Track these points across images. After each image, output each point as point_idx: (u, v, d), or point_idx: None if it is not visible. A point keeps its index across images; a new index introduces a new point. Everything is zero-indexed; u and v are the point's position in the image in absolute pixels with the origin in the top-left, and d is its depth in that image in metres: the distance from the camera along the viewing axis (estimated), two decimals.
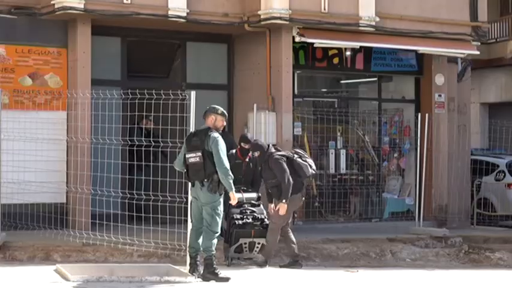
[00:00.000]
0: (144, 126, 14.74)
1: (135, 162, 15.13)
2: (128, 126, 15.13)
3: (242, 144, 14.85)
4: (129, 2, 17.29)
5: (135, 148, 14.85)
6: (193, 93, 13.34)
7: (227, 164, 12.31)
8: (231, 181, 12.35)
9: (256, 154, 14.30)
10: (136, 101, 14.60)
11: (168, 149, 14.49)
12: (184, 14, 17.87)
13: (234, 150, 14.73)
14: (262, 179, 14.63)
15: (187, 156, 12.46)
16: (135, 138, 14.22)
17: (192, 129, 13.14)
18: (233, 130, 18.66)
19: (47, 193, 16.85)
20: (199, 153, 12.29)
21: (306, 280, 12.64)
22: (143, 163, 15.53)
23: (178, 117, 14.69)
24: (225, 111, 12.93)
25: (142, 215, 14.41)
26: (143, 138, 14.58)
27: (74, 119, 17.13)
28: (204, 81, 19.77)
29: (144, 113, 15.41)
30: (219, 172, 12.24)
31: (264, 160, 14.14)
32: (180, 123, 15.14)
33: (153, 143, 14.09)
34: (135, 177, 14.69)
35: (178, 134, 14.57)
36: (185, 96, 13.59)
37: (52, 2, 16.97)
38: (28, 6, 17.32)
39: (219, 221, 12.52)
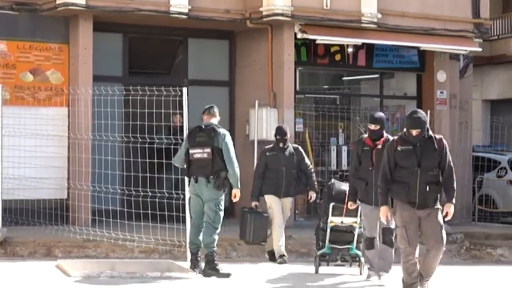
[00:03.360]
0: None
1: (139, 160, 15.03)
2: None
3: (368, 125, 11.76)
4: None
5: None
6: (185, 90, 13.41)
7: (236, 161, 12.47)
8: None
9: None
10: (138, 98, 14.59)
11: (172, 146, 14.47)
12: (186, 11, 17.93)
13: (364, 136, 12.00)
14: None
15: (191, 152, 12.36)
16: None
17: (186, 125, 13.19)
18: (234, 126, 18.65)
19: (48, 189, 16.93)
20: (208, 150, 12.22)
21: (307, 274, 12.59)
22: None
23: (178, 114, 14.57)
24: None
25: (141, 211, 14.30)
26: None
27: (75, 115, 17.22)
28: (205, 77, 19.84)
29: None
30: (231, 168, 12.22)
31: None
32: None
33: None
34: (140, 174, 14.59)
35: (179, 131, 14.51)
36: (178, 92, 13.54)
37: None
38: (29, 3, 17.34)
39: (222, 217, 12.48)
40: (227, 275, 12.24)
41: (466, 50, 20.82)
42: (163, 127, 14.34)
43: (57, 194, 17.10)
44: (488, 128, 28.99)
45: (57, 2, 16.95)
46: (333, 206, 12.06)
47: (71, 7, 16.91)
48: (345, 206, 11.76)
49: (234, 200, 12.79)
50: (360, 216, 11.89)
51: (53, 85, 17.70)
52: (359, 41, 19.41)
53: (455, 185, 9.70)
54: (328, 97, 21.46)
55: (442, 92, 20.82)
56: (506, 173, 21.42)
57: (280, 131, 14.12)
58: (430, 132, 9.72)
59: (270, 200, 13.99)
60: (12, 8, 17.17)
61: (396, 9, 19.39)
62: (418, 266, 9.82)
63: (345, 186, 12.04)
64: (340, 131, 20.68)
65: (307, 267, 12.85)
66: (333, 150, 20.44)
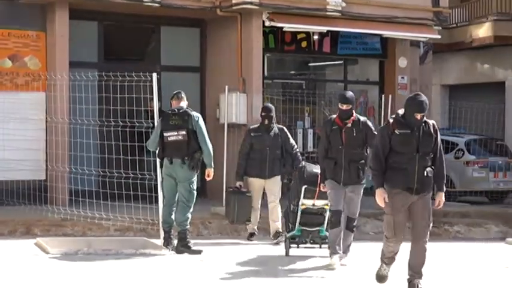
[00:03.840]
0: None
1: (113, 142, 15.08)
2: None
3: (339, 105, 11.23)
4: None
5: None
6: (154, 76, 13.36)
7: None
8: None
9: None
10: (111, 83, 14.66)
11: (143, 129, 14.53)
12: None
13: (333, 116, 11.44)
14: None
15: (166, 135, 12.44)
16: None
17: (156, 110, 13.22)
18: (205, 111, 18.72)
19: (27, 171, 16.85)
20: (183, 132, 12.35)
21: (277, 257, 12.50)
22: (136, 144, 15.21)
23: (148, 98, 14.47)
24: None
25: (116, 191, 14.32)
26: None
27: (52, 100, 17.13)
28: (177, 63, 19.85)
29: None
30: (206, 149, 12.40)
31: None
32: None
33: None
34: (114, 156, 14.64)
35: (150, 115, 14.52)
36: (148, 78, 13.55)
37: None
38: None
39: (195, 196, 12.62)
40: (199, 252, 12.39)
41: (426, 38, 21.01)
42: (142, 111, 14.24)
43: (36, 176, 17.02)
44: (447, 112, 29.24)
45: None
46: (305, 189, 11.58)
47: None
48: (318, 189, 11.36)
49: (208, 179, 12.96)
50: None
51: (31, 71, 17.60)
52: (324, 29, 19.45)
53: (445, 173, 9.23)
54: (295, 82, 21.51)
55: (403, 78, 20.94)
56: (463, 154, 21.59)
57: (265, 108, 13.78)
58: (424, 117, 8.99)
59: (251, 184, 13.79)
60: None
61: None
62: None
63: (316, 169, 11.48)
64: (306, 114, 20.69)
65: (277, 249, 12.66)
66: (299, 133, 20.42)
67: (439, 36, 21.50)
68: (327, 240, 11.61)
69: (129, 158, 14.35)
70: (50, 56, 17.69)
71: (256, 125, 13.94)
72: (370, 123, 11.16)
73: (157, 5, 17.90)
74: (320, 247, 11.86)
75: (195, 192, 12.62)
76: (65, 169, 16.27)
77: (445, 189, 9.25)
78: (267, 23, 18.60)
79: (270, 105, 13.92)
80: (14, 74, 17.56)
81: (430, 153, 8.93)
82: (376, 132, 10.63)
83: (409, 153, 8.80)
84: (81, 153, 15.80)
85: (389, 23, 20.04)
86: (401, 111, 8.99)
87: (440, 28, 21.76)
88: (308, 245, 11.96)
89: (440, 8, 21.39)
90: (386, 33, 20.20)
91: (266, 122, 13.47)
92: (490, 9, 28.79)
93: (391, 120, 9.02)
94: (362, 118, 11.01)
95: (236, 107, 18.48)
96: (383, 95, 19.82)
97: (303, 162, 12.31)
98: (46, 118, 17.33)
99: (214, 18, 19.18)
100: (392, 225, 8.99)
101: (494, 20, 28.45)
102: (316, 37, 20.03)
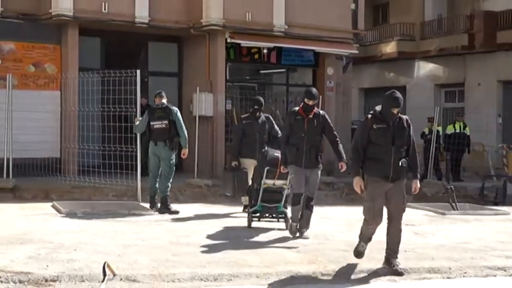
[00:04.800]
0: (141, 102, 14.03)
1: (112, 123, 14.91)
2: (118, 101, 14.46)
3: (306, 100, 10.05)
4: (106, 11, 17.23)
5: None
6: (138, 72, 13.36)
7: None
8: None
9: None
10: (111, 79, 14.57)
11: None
12: (147, 21, 17.88)
13: (296, 108, 10.38)
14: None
15: (152, 123, 12.44)
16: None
17: (139, 104, 13.25)
18: (182, 106, 18.63)
19: (46, 150, 16.82)
20: (166, 122, 12.36)
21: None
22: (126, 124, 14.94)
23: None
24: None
25: (112, 162, 14.18)
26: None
27: (66, 95, 17.13)
28: (161, 70, 19.78)
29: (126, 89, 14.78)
30: (182, 134, 12.42)
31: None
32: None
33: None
34: (112, 134, 14.52)
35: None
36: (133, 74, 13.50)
37: (50, 11, 16.86)
38: (31, 13, 17.13)
39: (174, 170, 12.60)
40: (176, 212, 12.42)
41: (347, 52, 21.07)
42: (138, 105, 13.85)
43: (53, 154, 16.93)
44: (362, 108, 29.55)
45: (52, 14, 16.79)
46: (267, 170, 10.45)
47: (62, 17, 16.82)
48: (278, 170, 10.30)
49: (184, 157, 13.02)
50: (289, 179, 10.34)
51: (49, 74, 17.57)
52: (271, 45, 19.53)
53: (418, 162, 8.25)
54: (249, 85, 21.42)
55: (330, 82, 21.04)
56: None
57: (257, 101, 12.50)
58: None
59: (244, 163, 12.36)
60: (19, 17, 16.97)
61: (298, 22, 19.38)
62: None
63: (277, 153, 10.41)
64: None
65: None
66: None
67: (357, 52, 21.62)
68: (283, 215, 10.78)
69: (123, 135, 14.17)
70: (64, 63, 17.58)
71: (246, 114, 12.91)
72: (327, 117, 10.16)
73: (145, 25, 17.92)
74: (278, 221, 10.88)
75: (173, 167, 12.64)
76: (75, 146, 16.26)
77: (419, 176, 8.23)
78: (229, 40, 18.60)
79: (260, 98, 12.68)
80: (36, 76, 17.52)
81: (404, 145, 7.93)
82: (331, 124, 10.05)
83: (386, 145, 7.85)
84: (87, 133, 15.78)
85: (320, 41, 20.08)
86: (378, 108, 8.04)
87: (358, 45, 22.00)
88: (267, 219, 10.92)
89: (358, 30, 21.58)
90: (318, 49, 20.25)
91: (257, 112, 12.35)
92: (395, 32, 29.13)
93: (369, 116, 8.03)
94: (321, 112, 10.07)
95: (205, 103, 18.48)
96: None
97: (266, 147, 11.18)
98: (60, 110, 17.29)
99: (189, 36, 19.11)
100: (372, 209, 7.97)
101: (397, 40, 28.81)
102: (265, 51, 19.96)
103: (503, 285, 6.25)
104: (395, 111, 7.85)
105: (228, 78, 19.56)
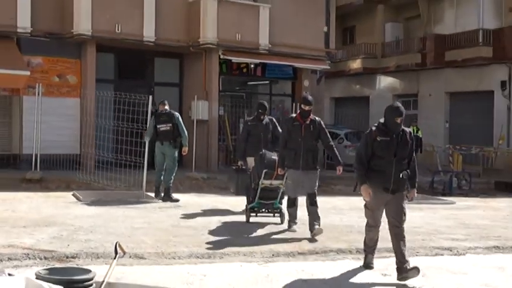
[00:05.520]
0: (158, 110, 13.44)
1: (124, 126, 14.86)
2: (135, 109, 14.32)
3: (302, 106, 9.17)
4: (119, 31, 17.18)
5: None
6: (150, 97, 13.34)
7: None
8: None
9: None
10: (122, 98, 14.48)
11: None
12: (153, 40, 17.86)
13: (293, 115, 9.79)
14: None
15: (158, 126, 12.45)
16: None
17: (150, 112, 13.10)
18: (182, 111, 18.59)
19: (68, 147, 16.82)
20: (170, 125, 12.40)
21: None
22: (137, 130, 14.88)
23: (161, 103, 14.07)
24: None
25: (123, 162, 14.20)
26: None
27: (84, 104, 17.01)
28: (165, 81, 19.70)
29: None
30: (183, 135, 12.44)
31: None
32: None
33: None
34: (124, 138, 14.45)
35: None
36: (146, 97, 13.45)
37: (72, 31, 16.83)
38: (56, 33, 17.06)
39: (176, 165, 12.61)
40: (177, 200, 12.40)
41: (320, 68, 21.15)
42: (150, 112, 13.53)
43: (73, 151, 16.91)
44: (333, 114, 29.58)
45: (74, 33, 16.78)
46: (265, 172, 9.64)
47: (82, 36, 16.78)
48: (275, 172, 9.46)
49: (184, 154, 13.04)
50: (285, 179, 9.42)
51: (71, 84, 17.50)
52: (257, 61, 19.51)
53: (417, 173, 7.06)
54: (239, 94, 21.45)
55: (306, 93, 20.67)
56: (343, 141, 21.83)
57: (262, 106, 11.43)
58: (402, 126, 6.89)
59: (250, 161, 11.20)
60: (46, 36, 16.92)
61: (280, 42, 19.44)
62: (379, 235, 7.31)
63: (274, 156, 9.62)
64: (246, 114, 20.66)
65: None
66: (241, 126, 20.31)
67: (328, 67, 21.66)
68: (278, 210, 10.01)
69: (134, 139, 14.11)
70: (83, 75, 17.51)
71: (251, 117, 11.79)
72: (323, 123, 9.24)
73: (152, 43, 17.89)
74: (273, 215, 10.05)
75: (176, 163, 12.64)
76: (92, 152, 16.15)
77: (416, 185, 7.10)
78: (222, 57, 18.61)
79: (265, 103, 11.69)
80: (60, 86, 17.45)
81: (405, 158, 6.86)
82: (326, 130, 9.24)
83: (388, 157, 6.76)
84: (102, 134, 15.56)
85: (298, 58, 20.11)
86: (382, 120, 6.90)
87: (330, 62, 22.05)
88: (264, 213, 10.06)
89: (330, 49, 21.70)
90: (296, 64, 20.24)
91: (261, 115, 11.30)
92: (360, 51, 29.19)
93: (373, 128, 6.90)
94: (317, 118, 9.18)
95: (201, 109, 18.52)
96: (293, 103, 19.96)
97: (264, 150, 10.15)
98: (80, 116, 17.22)
99: (188, 53, 19.09)
100: (372, 216, 7.07)
101: (362, 58, 28.88)
102: (252, 66, 19.99)
103: (449, 262, 6.30)
104: (398, 120, 6.77)
105: (220, 88, 19.58)
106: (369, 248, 7.27)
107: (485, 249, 8.69)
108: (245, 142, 11.29)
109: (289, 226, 9.37)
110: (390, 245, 8.24)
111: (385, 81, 29.04)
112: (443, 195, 17.00)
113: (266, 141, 11.24)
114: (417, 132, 20.79)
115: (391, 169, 6.73)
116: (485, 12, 24.60)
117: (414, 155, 7.00)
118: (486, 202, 13.66)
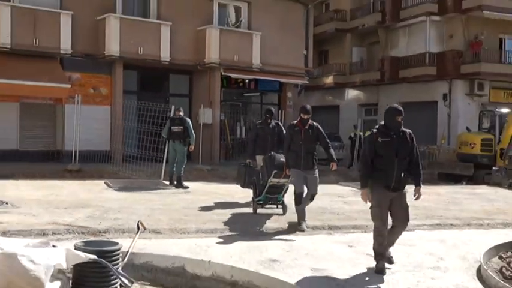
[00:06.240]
0: (174, 115, 13.06)
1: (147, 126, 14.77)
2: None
3: (302, 115, 8.34)
4: (141, 53, 17.18)
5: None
6: (173, 107, 13.20)
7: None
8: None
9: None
10: (144, 106, 14.42)
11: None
12: (168, 60, 17.87)
13: (294, 122, 8.63)
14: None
15: (172, 128, 12.41)
16: (168, 122, 12.71)
17: (171, 115, 13.03)
18: (192, 117, 18.53)
19: (100, 144, 16.70)
20: (182, 127, 12.34)
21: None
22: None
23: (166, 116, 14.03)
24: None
25: (145, 153, 14.14)
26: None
27: (114, 110, 17.02)
28: (178, 93, 19.60)
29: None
30: (191, 135, 12.36)
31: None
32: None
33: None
34: (145, 137, 14.34)
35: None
36: (167, 106, 13.44)
37: (103, 52, 16.81)
38: (91, 54, 17.03)
39: (186, 159, 12.52)
40: (187, 187, 12.30)
41: (301, 82, 21.23)
42: (170, 116, 13.15)
43: (105, 147, 16.82)
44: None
45: (105, 54, 16.78)
46: (275, 172, 8.80)
47: (112, 57, 16.78)
48: (284, 172, 8.61)
49: (191, 150, 12.94)
50: (291, 177, 8.53)
51: (103, 95, 17.47)
52: (251, 77, 19.56)
53: (421, 172, 6.03)
54: (237, 103, 21.50)
55: (290, 102, 21.12)
56: None
57: (269, 111, 10.43)
58: (402, 127, 5.94)
59: (258, 160, 10.18)
60: (83, 56, 16.90)
61: (269, 62, 19.47)
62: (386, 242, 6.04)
63: (283, 158, 8.68)
64: (242, 120, 20.74)
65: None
66: (239, 129, 20.39)
67: (307, 82, 21.75)
68: (281, 202, 9.24)
69: (153, 138, 14.07)
70: (113, 88, 17.49)
71: (260, 121, 10.90)
72: (320, 127, 8.47)
73: (167, 63, 17.88)
74: (277, 207, 9.24)
75: (185, 157, 12.58)
76: (120, 148, 16.07)
77: (421, 184, 6.04)
78: (223, 74, 18.60)
79: (272, 108, 10.76)
80: (94, 96, 17.38)
81: (406, 157, 5.89)
82: (324, 133, 8.51)
83: (389, 157, 5.82)
84: (128, 140, 15.50)
85: (283, 75, 20.10)
86: (382, 122, 6.03)
87: (308, 78, 22.08)
88: (269, 205, 9.22)
89: (309, 67, 21.82)
90: (282, 80, 20.24)
91: (268, 120, 10.28)
92: (332, 69, 29.21)
93: (374, 131, 6.03)
94: (315, 124, 8.45)
95: (207, 115, 18.51)
96: (279, 111, 19.99)
97: (272, 153, 9.43)
98: (110, 120, 17.18)
99: (196, 70, 19.05)
100: (379, 214, 5.87)
101: (334, 75, 28.89)
102: (247, 81, 20.05)
103: (401, 237, 6.31)
104: (399, 118, 5.87)
105: (222, 99, 19.58)
106: (379, 255, 5.94)
107: (430, 226, 8.70)
108: (254, 142, 10.27)
109: (299, 224, 8.20)
110: (355, 222, 8.22)
111: (352, 93, 29.09)
112: None
113: (272, 142, 10.29)
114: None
115: (393, 168, 5.82)
116: (431, 39, 24.84)
117: (418, 154, 6.00)
118: (431, 189, 13.68)
